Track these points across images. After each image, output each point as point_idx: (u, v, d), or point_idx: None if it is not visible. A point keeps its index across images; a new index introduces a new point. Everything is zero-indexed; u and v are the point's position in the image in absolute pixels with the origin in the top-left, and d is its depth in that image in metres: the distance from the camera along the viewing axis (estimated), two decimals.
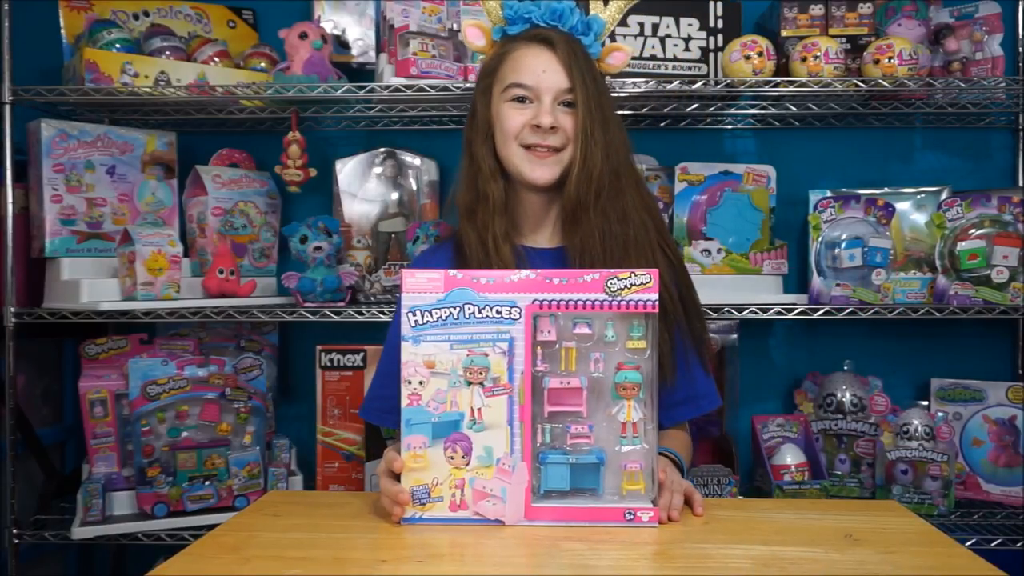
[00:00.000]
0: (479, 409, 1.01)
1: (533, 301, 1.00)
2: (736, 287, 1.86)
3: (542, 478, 1.01)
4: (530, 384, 1.01)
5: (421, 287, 1.01)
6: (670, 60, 1.82)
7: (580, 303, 1.00)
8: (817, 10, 1.85)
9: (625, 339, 1.01)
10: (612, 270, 1.01)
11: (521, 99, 1.26)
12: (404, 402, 1.02)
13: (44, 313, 1.77)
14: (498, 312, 1.00)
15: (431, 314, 1.01)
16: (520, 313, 1.00)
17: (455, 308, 1.01)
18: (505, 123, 1.26)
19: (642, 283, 0.99)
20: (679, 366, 1.25)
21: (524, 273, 1.01)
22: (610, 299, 0.99)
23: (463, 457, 1.01)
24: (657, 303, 1.00)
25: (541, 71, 1.25)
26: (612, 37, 1.39)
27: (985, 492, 1.90)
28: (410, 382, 1.02)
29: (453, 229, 1.43)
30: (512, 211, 1.33)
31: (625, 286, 0.99)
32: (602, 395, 1.02)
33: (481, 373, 1.01)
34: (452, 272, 1.02)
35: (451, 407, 1.01)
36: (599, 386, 1.02)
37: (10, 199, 1.79)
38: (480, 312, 1.01)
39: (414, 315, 1.01)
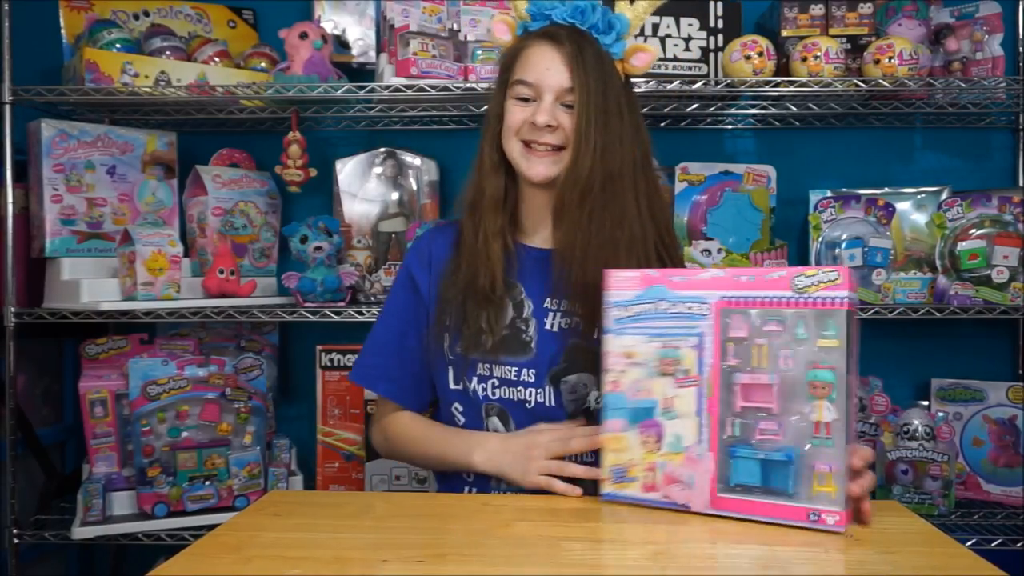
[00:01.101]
0: (671, 398, 1.05)
1: (721, 298, 1.03)
2: None
3: (731, 471, 1.02)
4: (718, 377, 1.03)
5: (622, 284, 1.09)
6: (670, 60, 1.82)
7: (766, 300, 1.01)
8: (817, 10, 1.85)
9: (816, 337, 1.00)
10: (799, 267, 1.02)
11: (525, 98, 1.26)
12: (605, 388, 1.09)
13: (44, 313, 1.77)
14: (689, 308, 1.05)
15: (630, 309, 1.08)
16: (709, 309, 1.03)
17: (651, 304, 1.07)
18: (508, 119, 1.27)
19: (830, 280, 0.99)
20: None
21: (714, 271, 1.05)
22: (797, 296, 1.00)
23: (656, 442, 1.05)
24: (848, 301, 0.98)
25: (545, 68, 1.24)
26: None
27: (985, 492, 1.90)
28: (611, 371, 1.08)
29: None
30: (516, 208, 1.33)
31: (812, 283, 0.99)
32: (793, 393, 1.01)
33: (673, 365, 1.05)
34: (649, 271, 1.08)
35: (646, 395, 1.06)
36: (790, 384, 1.01)
37: (10, 199, 1.79)
38: (673, 308, 1.06)
39: (617, 310, 1.08)
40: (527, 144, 1.26)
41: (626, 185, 1.25)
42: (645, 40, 1.81)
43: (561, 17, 1.29)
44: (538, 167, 1.26)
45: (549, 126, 1.24)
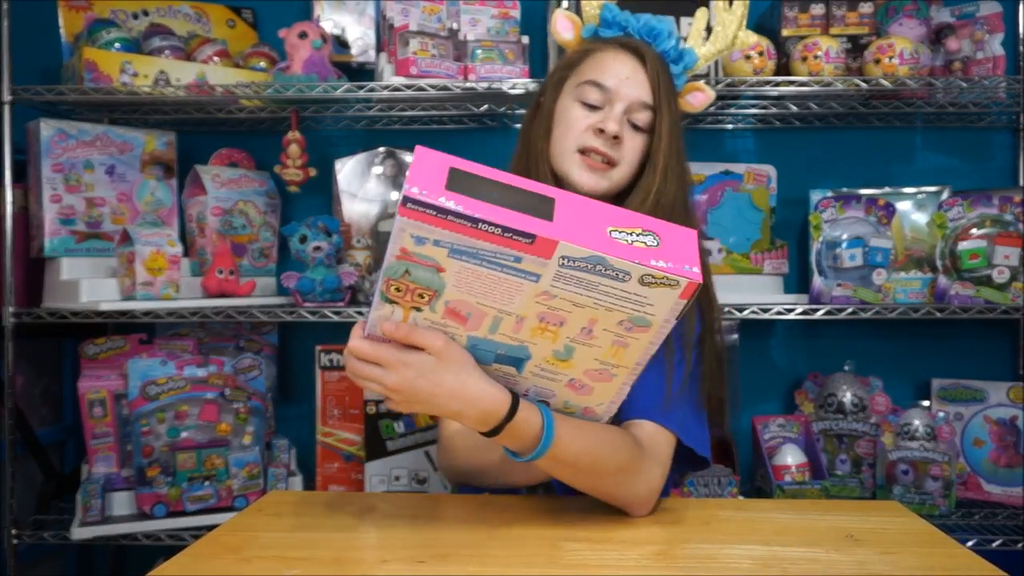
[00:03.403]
0: None
1: None
2: (737, 287, 1.86)
3: None
4: None
5: None
6: None
7: None
8: (818, 9, 1.85)
9: None
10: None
11: (592, 106, 1.20)
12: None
13: (43, 313, 1.77)
14: None
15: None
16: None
17: None
18: (569, 121, 1.21)
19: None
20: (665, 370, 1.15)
21: None
22: None
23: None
24: None
25: (624, 77, 1.20)
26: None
27: (986, 492, 1.89)
28: None
29: None
30: None
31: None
32: None
33: None
34: None
35: None
36: None
37: (9, 199, 1.79)
38: None
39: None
40: (582, 152, 1.20)
41: (689, 212, 1.23)
42: None
43: (636, 32, 1.25)
44: (589, 177, 1.20)
45: (615, 137, 1.18)
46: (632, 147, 1.21)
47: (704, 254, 1.23)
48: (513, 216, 0.82)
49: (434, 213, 0.81)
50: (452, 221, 0.81)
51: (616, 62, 1.21)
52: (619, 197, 1.24)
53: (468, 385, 0.93)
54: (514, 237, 0.82)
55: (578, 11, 1.32)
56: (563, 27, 1.30)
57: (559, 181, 1.24)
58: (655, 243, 0.85)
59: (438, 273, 0.87)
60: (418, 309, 0.91)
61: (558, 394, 1.00)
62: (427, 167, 0.83)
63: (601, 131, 1.18)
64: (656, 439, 1.11)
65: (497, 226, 0.81)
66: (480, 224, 0.81)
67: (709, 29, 1.38)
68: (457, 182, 0.82)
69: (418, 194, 0.80)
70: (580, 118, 1.21)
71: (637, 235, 0.85)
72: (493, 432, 0.96)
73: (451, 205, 0.81)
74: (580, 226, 0.83)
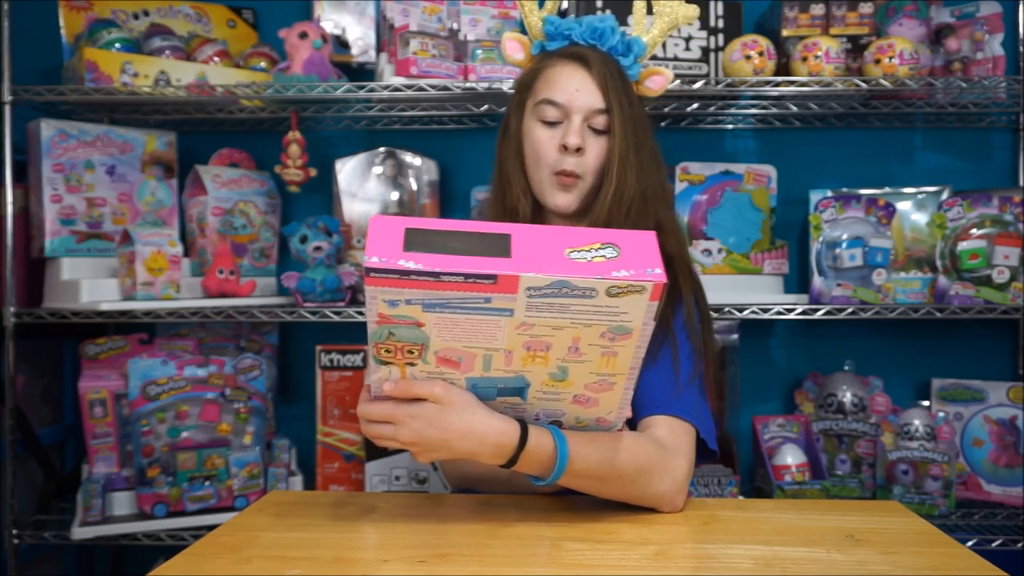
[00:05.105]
0: None
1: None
2: (737, 287, 1.86)
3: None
4: None
5: None
6: (670, 60, 1.82)
7: None
8: (818, 10, 1.85)
9: None
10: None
11: (551, 123, 1.24)
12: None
13: (44, 313, 1.77)
14: None
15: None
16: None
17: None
18: (536, 145, 1.24)
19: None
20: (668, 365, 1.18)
21: None
22: None
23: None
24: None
25: (574, 89, 1.23)
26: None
27: (986, 492, 1.89)
28: None
29: None
30: None
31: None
32: None
33: None
34: None
35: None
36: None
37: (10, 199, 1.79)
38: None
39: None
40: (558, 173, 1.23)
41: (658, 204, 1.26)
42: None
43: (581, 38, 1.27)
44: (564, 197, 1.24)
45: (578, 149, 1.22)
46: (596, 152, 1.24)
47: (682, 243, 1.28)
48: (472, 262, 0.84)
49: (397, 276, 0.84)
50: (415, 280, 0.84)
51: (564, 75, 1.24)
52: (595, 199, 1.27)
53: (474, 423, 0.97)
54: (477, 281, 0.84)
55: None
56: (512, 49, 1.32)
57: (535, 201, 1.28)
58: (615, 254, 0.87)
59: (419, 328, 0.90)
60: (412, 364, 0.94)
61: (567, 412, 1.01)
62: (384, 234, 0.86)
63: (564, 147, 1.22)
64: (674, 431, 1.13)
65: (458, 275, 0.84)
66: (442, 276, 0.84)
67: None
68: (414, 241, 0.85)
69: (378, 263, 0.83)
70: (544, 139, 1.24)
71: (596, 250, 0.87)
72: (510, 463, 1.00)
73: (411, 265, 0.83)
74: (538, 255, 0.86)
